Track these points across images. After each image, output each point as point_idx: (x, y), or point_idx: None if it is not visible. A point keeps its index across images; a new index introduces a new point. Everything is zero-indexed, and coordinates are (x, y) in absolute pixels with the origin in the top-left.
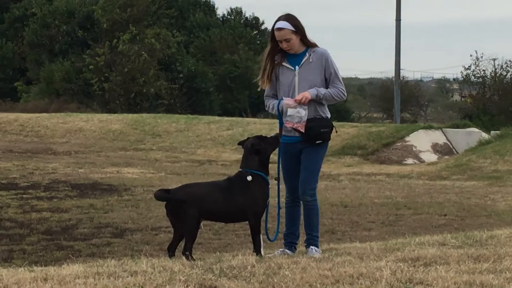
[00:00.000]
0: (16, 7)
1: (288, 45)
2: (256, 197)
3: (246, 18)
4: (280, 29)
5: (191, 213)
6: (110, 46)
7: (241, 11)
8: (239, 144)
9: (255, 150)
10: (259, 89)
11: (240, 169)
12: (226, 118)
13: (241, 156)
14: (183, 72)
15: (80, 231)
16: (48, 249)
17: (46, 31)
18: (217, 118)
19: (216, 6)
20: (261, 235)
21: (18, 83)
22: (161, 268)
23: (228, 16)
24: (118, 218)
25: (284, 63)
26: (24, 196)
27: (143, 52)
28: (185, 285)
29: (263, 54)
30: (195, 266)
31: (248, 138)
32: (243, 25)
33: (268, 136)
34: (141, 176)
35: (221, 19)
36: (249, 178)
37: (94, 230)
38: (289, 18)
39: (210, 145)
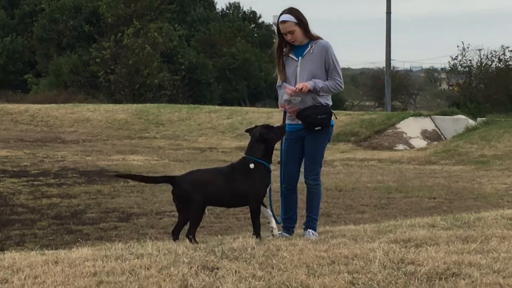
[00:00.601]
0: (26, 3)
1: (292, 37)
2: (257, 183)
3: (244, 12)
4: (284, 21)
5: (196, 199)
6: (115, 40)
7: (239, 6)
8: (247, 131)
9: (263, 139)
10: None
11: (244, 156)
12: (226, 108)
13: (245, 142)
14: (185, 64)
15: (88, 216)
16: (58, 233)
17: (54, 26)
18: (217, 107)
19: (215, 1)
20: (260, 219)
21: (28, 75)
22: (166, 250)
23: (227, 11)
24: (124, 203)
25: (290, 54)
26: (35, 183)
27: (146, 46)
28: (189, 267)
29: (273, 49)
30: (198, 248)
31: (256, 126)
32: (241, 19)
33: (275, 126)
34: (146, 163)
35: (220, 14)
36: (252, 166)
37: (102, 214)
38: (292, 11)
39: (211, 133)
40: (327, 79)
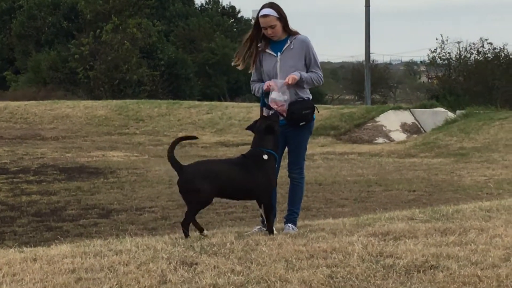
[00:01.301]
0: (4, 0)
1: (273, 32)
2: (270, 175)
3: (223, 7)
4: (265, 15)
5: (203, 189)
6: (94, 36)
7: (218, 1)
8: (247, 129)
9: (272, 130)
10: (233, 63)
11: (252, 148)
12: (205, 103)
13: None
14: (164, 60)
15: (68, 213)
16: (38, 230)
17: (33, 22)
18: (197, 102)
19: None
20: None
21: (7, 72)
22: (145, 246)
23: (206, 6)
24: (104, 199)
25: (267, 50)
26: (14, 180)
27: (125, 41)
28: (168, 262)
29: (243, 37)
30: (177, 244)
31: (256, 121)
32: (220, 14)
33: (271, 115)
34: (126, 159)
35: (199, 9)
36: (265, 156)
37: (82, 211)
38: (273, 5)
39: (191, 129)
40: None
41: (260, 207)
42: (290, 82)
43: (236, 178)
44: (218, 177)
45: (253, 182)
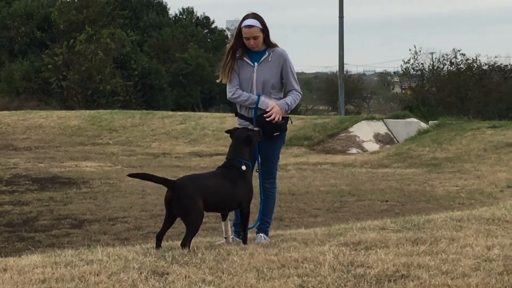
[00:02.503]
0: None
1: (255, 43)
2: (250, 185)
3: (197, 17)
4: (250, 26)
5: (198, 206)
6: (67, 46)
7: (192, 11)
8: (227, 132)
9: (249, 141)
10: (218, 81)
11: (231, 158)
12: (179, 113)
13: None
14: (138, 70)
15: (41, 223)
16: (10, 240)
17: (6, 32)
18: (170, 113)
19: (168, 7)
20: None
21: None
22: (116, 256)
23: (180, 16)
24: (77, 209)
25: (244, 58)
26: None
27: (99, 51)
28: (139, 272)
29: (225, 49)
30: (148, 254)
31: (237, 128)
32: (194, 25)
33: (253, 129)
34: (99, 169)
35: (173, 19)
36: (244, 167)
37: (54, 221)
38: (257, 16)
39: (164, 139)
40: (281, 87)
41: (225, 220)
42: (276, 119)
43: (224, 191)
44: (210, 192)
45: (238, 193)
